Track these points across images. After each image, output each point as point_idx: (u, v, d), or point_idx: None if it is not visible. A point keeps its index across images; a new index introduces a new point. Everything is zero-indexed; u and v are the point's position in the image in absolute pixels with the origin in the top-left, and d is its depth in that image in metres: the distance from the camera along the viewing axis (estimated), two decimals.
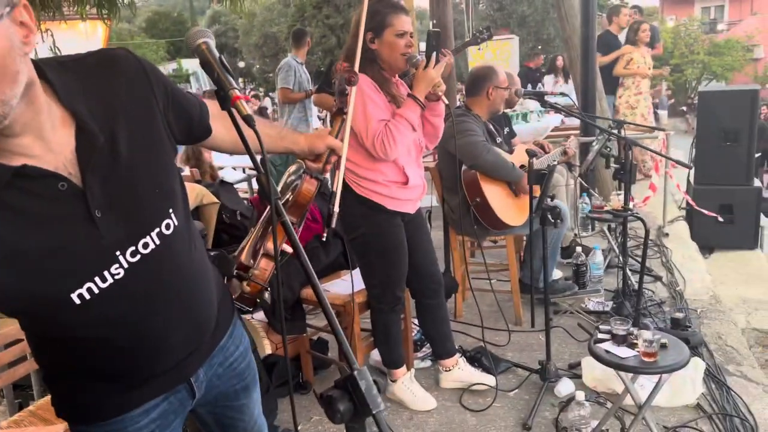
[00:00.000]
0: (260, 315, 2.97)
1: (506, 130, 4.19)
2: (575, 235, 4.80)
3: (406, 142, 2.39)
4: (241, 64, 37.56)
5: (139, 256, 1.02)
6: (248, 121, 0.99)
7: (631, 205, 3.26)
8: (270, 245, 1.57)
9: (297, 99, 5.51)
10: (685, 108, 22.53)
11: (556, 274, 4.03)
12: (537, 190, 2.78)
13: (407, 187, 2.51)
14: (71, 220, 0.94)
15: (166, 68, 45.02)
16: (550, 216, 2.64)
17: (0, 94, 0.82)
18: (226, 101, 1.02)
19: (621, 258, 3.46)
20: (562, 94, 3.54)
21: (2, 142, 0.89)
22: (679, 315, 3.12)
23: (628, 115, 6.62)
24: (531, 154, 2.76)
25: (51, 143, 0.93)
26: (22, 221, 0.90)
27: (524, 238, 3.89)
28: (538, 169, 2.68)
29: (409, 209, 2.59)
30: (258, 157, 1.00)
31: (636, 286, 3.33)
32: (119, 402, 1.11)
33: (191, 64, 45.75)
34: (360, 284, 2.91)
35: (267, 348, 2.96)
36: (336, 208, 1.73)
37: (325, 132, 1.60)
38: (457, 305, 3.71)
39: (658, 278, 4.03)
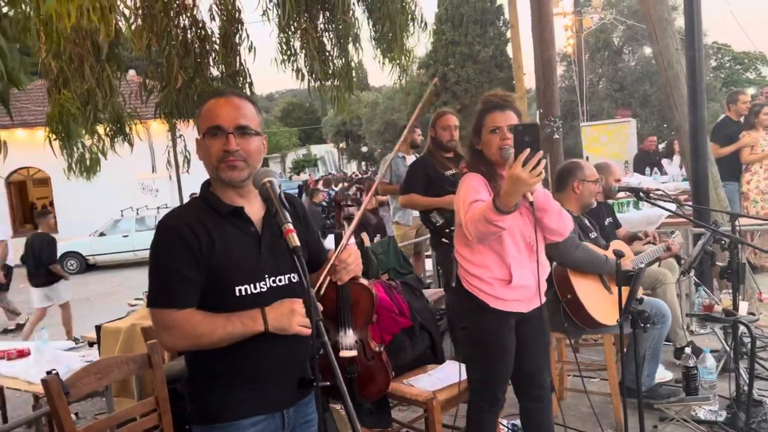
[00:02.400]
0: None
1: (608, 220, 4.10)
2: (691, 333, 4.49)
3: (487, 233, 2.30)
4: (364, 149, 39.55)
5: (275, 284, 1.63)
6: (294, 251, 1.27)
7: (756, 299, 3.03)
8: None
9: (391, 191, 5.81)
10: None
11: (666, 376, 3.78)
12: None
13: (511, 287, 2.45)
14: (249, 249, 1.60)
15: (297, 153, 48.48)
16: (639, 320, 2.54)
17: (255, 164, 1.60)
18: (281, 233, 1.40)
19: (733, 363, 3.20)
20: (658, 190, 3.44)
21: (230, 194, 1.61)
22: None
23: (759, 201, 6.27)
24: (618, 254, 2.70)
25: (252, 208, 1.64)
26: (226, 238, 1.57)
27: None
28: (625, 270, 2.62)
29: (517, 309, 2.50)
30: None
31: (756, 395, 3.04)
32: (239, 409, 1.61)
33: (319, 150, 48.97)
34: (445, 381, 2.93)
35: None
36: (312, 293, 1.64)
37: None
38: (552, 405, 3.56)
39: None
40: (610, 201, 4.67)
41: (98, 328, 3.36)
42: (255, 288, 1.59)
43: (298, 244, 1.32)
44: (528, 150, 1.99)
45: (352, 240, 1.83)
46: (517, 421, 3.31)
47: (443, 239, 4.13)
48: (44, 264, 7.00)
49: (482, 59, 26.13)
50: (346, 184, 17.57)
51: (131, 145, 4.83)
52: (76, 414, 4.47)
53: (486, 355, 2.54)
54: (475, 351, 2.57)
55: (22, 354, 3.99)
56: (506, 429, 3.13)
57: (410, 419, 3.26)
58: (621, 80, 24.85)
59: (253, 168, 1.59)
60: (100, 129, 4.59)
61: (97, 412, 4.31)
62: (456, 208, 2.49)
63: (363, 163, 43.63)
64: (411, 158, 5.94)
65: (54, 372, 2.06)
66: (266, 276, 1.61)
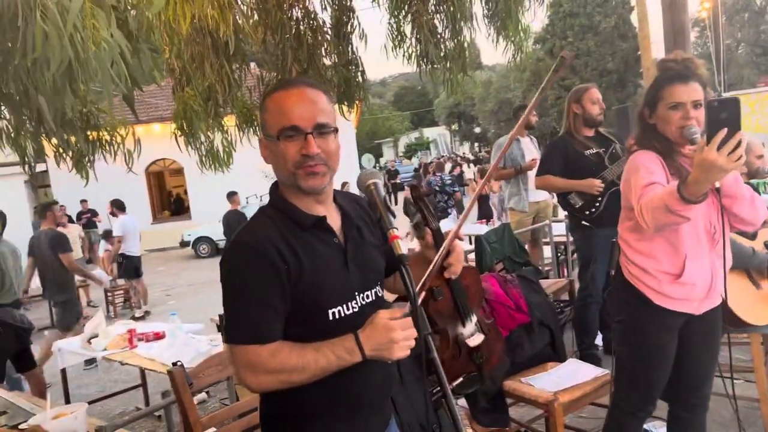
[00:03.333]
0: (462, 401, 2.97)
1: None
2: None
3: (668, 223, 2.01)
4: (477, 130, 38.95)
5: (365, 302, 1.43)
6: (400, 259, 1.13)
7: None
8: None
9: (506, 175, 5.60)
10: None
11: None
12: None
13: (678, 283, 2.14)
14: (335, 263, 1.39)
15: (410, 137, 48.73)
16: None
17: (335, 166, 1.38)
18: (385, 239, 1.21)
19: None
20: None
21: (308, 201, 1.39)
22: None
23: None
24: None
25: (331, 216, 1.43)
26: (313, 256, 1.35)
27: None
28: None
29: (685, 309, 2.18)
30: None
31: None
32: None
33: (431, 133, 48.93)
34: (567, 380, 2.76)
35: None
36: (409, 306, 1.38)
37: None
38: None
39: None
40: (753, 181, 4.19)
41: (221, 317, 3.51)
42: (347, 309, 1.39)
43: (405, 252, 1.18)
44: (725, 130, 1.66)
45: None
46: (650, 426, 3.07)
47: (583, 222, 3.92)
48: None
49: (603, 30, 24.68)
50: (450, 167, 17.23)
51: (257, 135, 5.02)
52: (207, 392, 4.76)
53: (640, 356, 2.29)
54: (629, 349, 2.32)
55: (158, 336, 4.30)
56: None
57: (528, 418, 3.12)
58: (764, 44, 22.44)
59: (333, 171, 1.39)
60: (230, 121, 4.80)
61: (225, 392, 4.55)
62: (624, 190, 2.24)
63: (476, 144, 43.01)
64: (525, 140, 5.70)
65: (179, 363, 2.16)
66: (356, 293, 1.41)
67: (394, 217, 1.24)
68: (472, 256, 4.45)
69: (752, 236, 3.09)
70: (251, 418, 2.30)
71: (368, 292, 1.44)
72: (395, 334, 1.25)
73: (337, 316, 1.37)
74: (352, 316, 1.38)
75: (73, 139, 3.38)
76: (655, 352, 2.26)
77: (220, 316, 3.52)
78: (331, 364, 1.28)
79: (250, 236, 1.34)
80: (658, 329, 2.23)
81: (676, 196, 1.84)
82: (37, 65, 2.00)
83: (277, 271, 1.30)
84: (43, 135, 3.12)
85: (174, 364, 2.15)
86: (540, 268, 5.32)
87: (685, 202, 1.83)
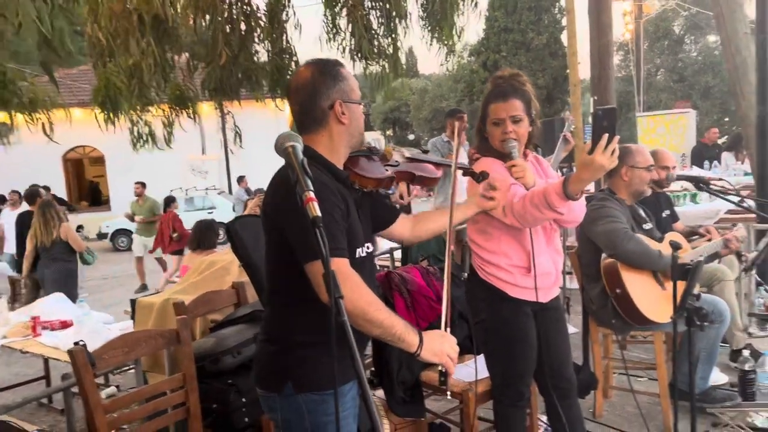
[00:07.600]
0: (380, 393, 2.97)
1: (666, 212, 3.88)
2: (749, 335, 4.22)
3: (539, 219, 2.21)
4: (411, 137, 39.32)
5: (366, 252, 1.71)
6: (314, 222, 1.12)
7: None
8: None
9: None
10: None
11: (720, 379, 3.55)
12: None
13: (531, 275, 2.34)
14: (357, 213, 1.68)
15: None
16: (695, 318, 2.35)
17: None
18: (300, 201, 1.24)
19: None
20: (720, 179, 3.19)
21: (341, 161, 1.73)
22: None
23: None
24: (674, 246, 2.51)
25: None
26: (348, 201, 1.63)
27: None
28: (682, 263, 2.43)
29: (536, 298, 2.38)
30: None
31: None
32: (342, 376, 1.60)
33: (367, 136, 49.05)
34: (483, 372, 2.80)
35: (386, 428, 2.94)
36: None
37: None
38: (597, 404, 3.40)
39: None
40: (668, 192, 4.41)
41: (133, 303, 3.36)
42: (362, 252, 1.66)
43: (319, 214, 1.18)
44: (606, 135, 1.92)
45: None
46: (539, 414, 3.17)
47: None
48: None
49: (535, 47, 25.53)
50: None
51: (194, 118, 4.85)
52: (117, 386, 4.54)
53: (506, 346, 2.42)
54: (495, 344, 2.46)
55: (65, 325, 4.05)
56: (544, 426, 2.98)
57: (445, 410, 3.15)
58: (681, 71, 23.87)
59: None
60: (165, 107, 4.62)
61: (136, 385, 4.35)
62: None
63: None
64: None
65: (81, 343, 2.04)
66: (365, 242, 1.68)
67: (312, 181, 1.22)
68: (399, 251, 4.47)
69: (659, 240, 3.27)
70: (157, 403, 2.20)
71: (368, 244, 1.72)
72: (450, 347, 1.59)
73: (361, 254, 1.65)
74: (360, 260, 1.64)
75: None
76: (522, 342, 2.41)
77: (132, 302, 3.36)
78: (397, 332, 1.52)
79: (322, 178, 1.57)
80: (518, 319, 2.39)
81: (559, 193, 2.04)
82: None
83: (340, 209, 1.56)
84: None
85: (76, 344, 2.02)
86: (463, 266, 5.40)
87: (567, 199, 2.05)
